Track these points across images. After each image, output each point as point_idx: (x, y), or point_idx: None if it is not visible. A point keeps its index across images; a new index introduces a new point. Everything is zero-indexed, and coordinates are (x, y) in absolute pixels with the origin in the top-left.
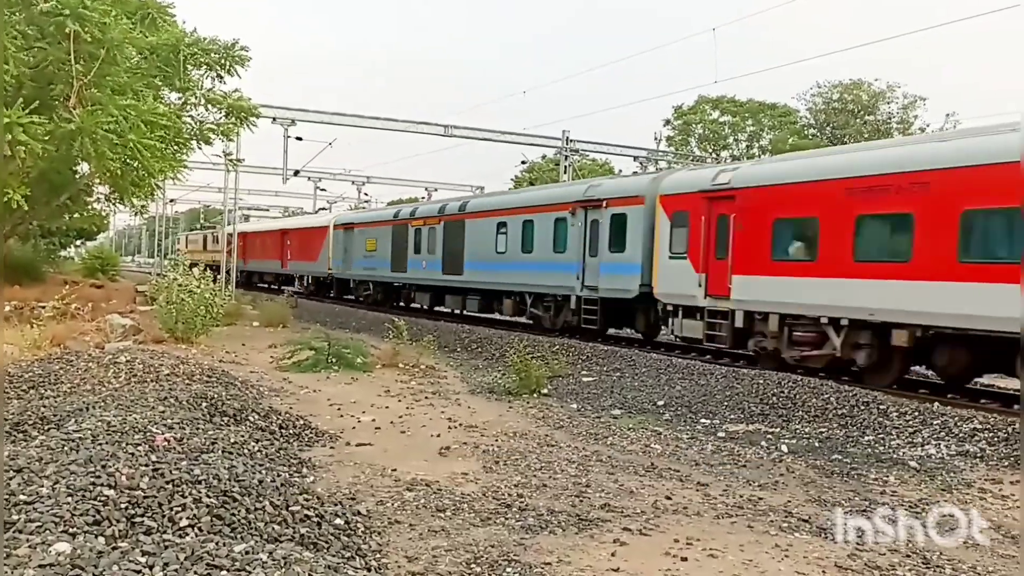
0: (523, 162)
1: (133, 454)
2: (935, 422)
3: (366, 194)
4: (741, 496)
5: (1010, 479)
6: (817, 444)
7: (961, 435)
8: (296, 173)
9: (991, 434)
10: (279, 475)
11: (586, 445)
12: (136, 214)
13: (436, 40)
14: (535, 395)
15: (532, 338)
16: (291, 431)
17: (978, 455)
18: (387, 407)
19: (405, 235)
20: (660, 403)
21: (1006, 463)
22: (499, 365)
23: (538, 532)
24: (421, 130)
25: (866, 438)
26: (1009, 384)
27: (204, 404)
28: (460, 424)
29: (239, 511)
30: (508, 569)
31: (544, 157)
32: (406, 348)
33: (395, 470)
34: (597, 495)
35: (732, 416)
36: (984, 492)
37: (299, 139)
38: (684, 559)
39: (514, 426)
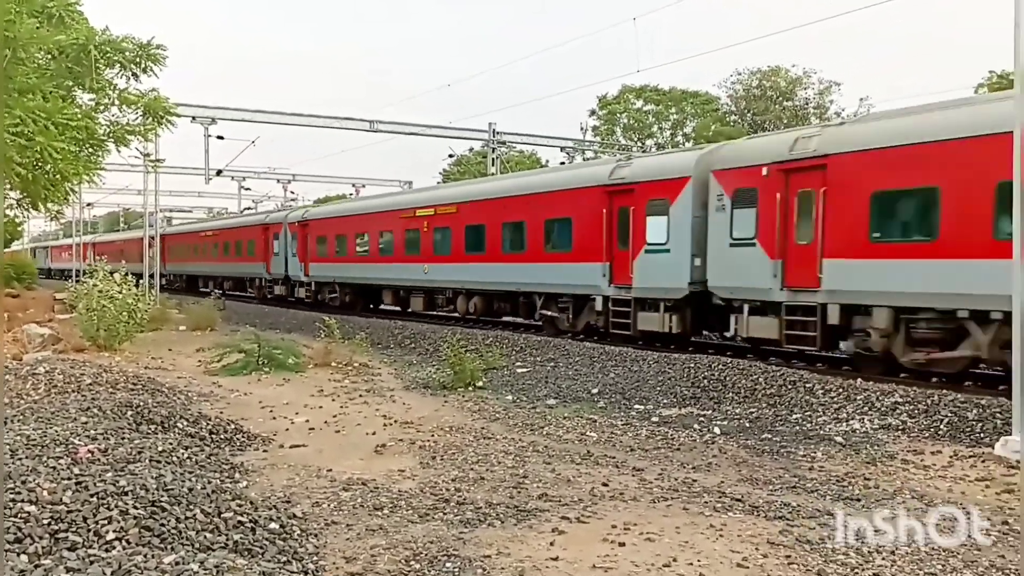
0: (451, 155)
1: (55, 468)
2: (859, 398)
3: (292, 192)
4: (676, 479)
5: (931, 450)
6: (748, 424)
7: (883, 409)
8: (219, 173)
9: (911, 407)
10: (210, 482)
11: (522, 436)
12: (51, 219)
13: (364, 36)
14: (470, 388)
15: (466, 331)
16: (222, 436)
17: (900, 428)
18: (321, 407)
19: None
20: (594, 391)
21: (926, 434)
22: (433, 360)
23: (477, 525)
24: (346, 126)
25: (794, 416)
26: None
27: (129, 413)
28: (395, 421)
29: (168, 521)
30: (448, 564)
31: (471, 150)
32: (339, 347)
33: (331, 470)
34: (535, 485)
35: (665, 401)
36: (907, 463)
37: (220, 138)
38: (622, 544)
39: (450, 420)
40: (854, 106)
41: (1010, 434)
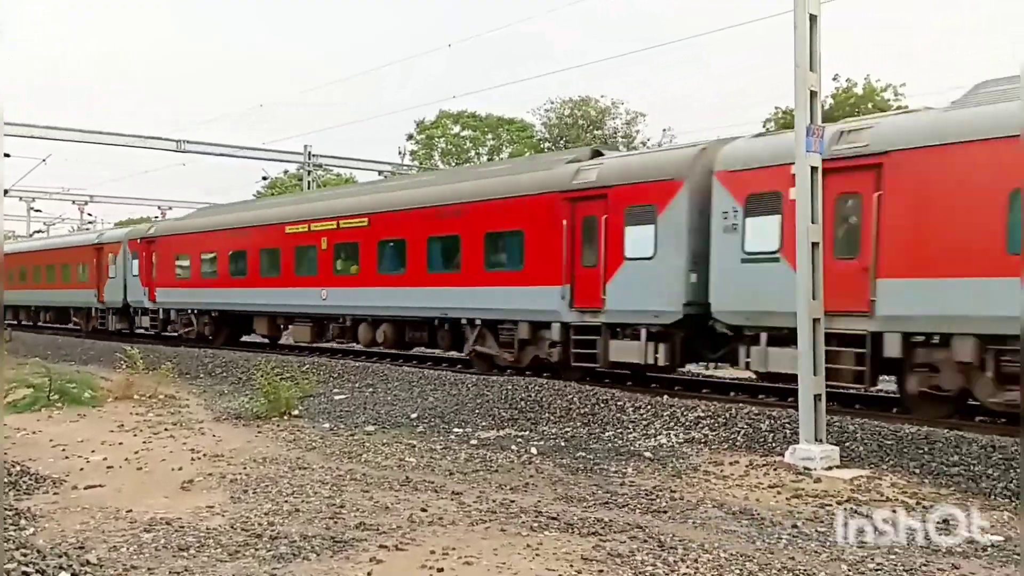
0: (264, 178)
1: None
2: (665, 413)
3: (90, 214)
4: (494, 501)
5: (729, 460)
6: (563, 443)
7: (687, 423)
8: (5, 193)
9: (712, 420)
10: None
11: (340, 465)
12: None
13: (168, 52)
14: (285, 417)
15: (281, 358)
16: (5, 480)
17: (702, 441)
18: (121, 443)
19: None
20: (414, 416)
21: (725, 446)
22: (246, 389)
23: (291, 560)
24: (151, 145)
25: (607, 434)
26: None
27: None
28: (204, 454)
29: None
30: None
31: (286, 172)
32: (142, 378)
33: (131, 511)
34: (352, 515)
35: (484, 423)
36: (708, 474)
37: (7, 155)
38: (440, 570)
39: (263, 451)
40: (658, 136)
41: (798, 443)
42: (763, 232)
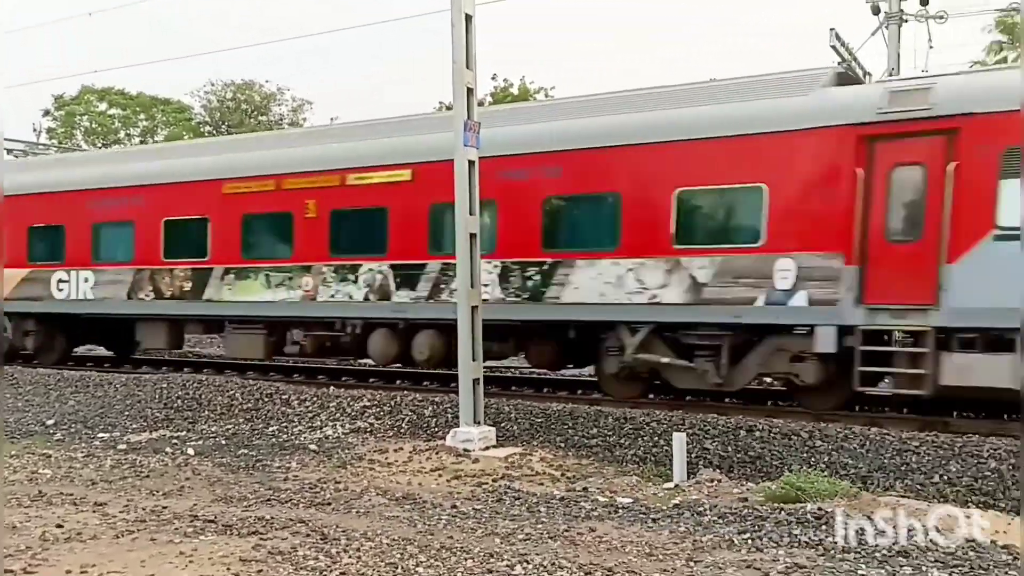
0: None
1: None
2: (331, 405)
3: None
4: (144, 509)
5: (394, 447)
6: (224, 442)
7: (353, 414)
8: None
9: (378, 409)
10: None
11: None
12: None
13: None
14: None
15: None
16: None
17: (367, 430)
18: None
19: None
20: (50, 422)
21: (391, 433)
22: None
23: None
24: None
25: (271, 429)
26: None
27: None
28: None
29: None
30: None
31: None
32: None
33: None
34: None
35: (134, 426)
36: (373, 463)
37: None
38: None
39: None
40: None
41: (458, 426)
42: None
